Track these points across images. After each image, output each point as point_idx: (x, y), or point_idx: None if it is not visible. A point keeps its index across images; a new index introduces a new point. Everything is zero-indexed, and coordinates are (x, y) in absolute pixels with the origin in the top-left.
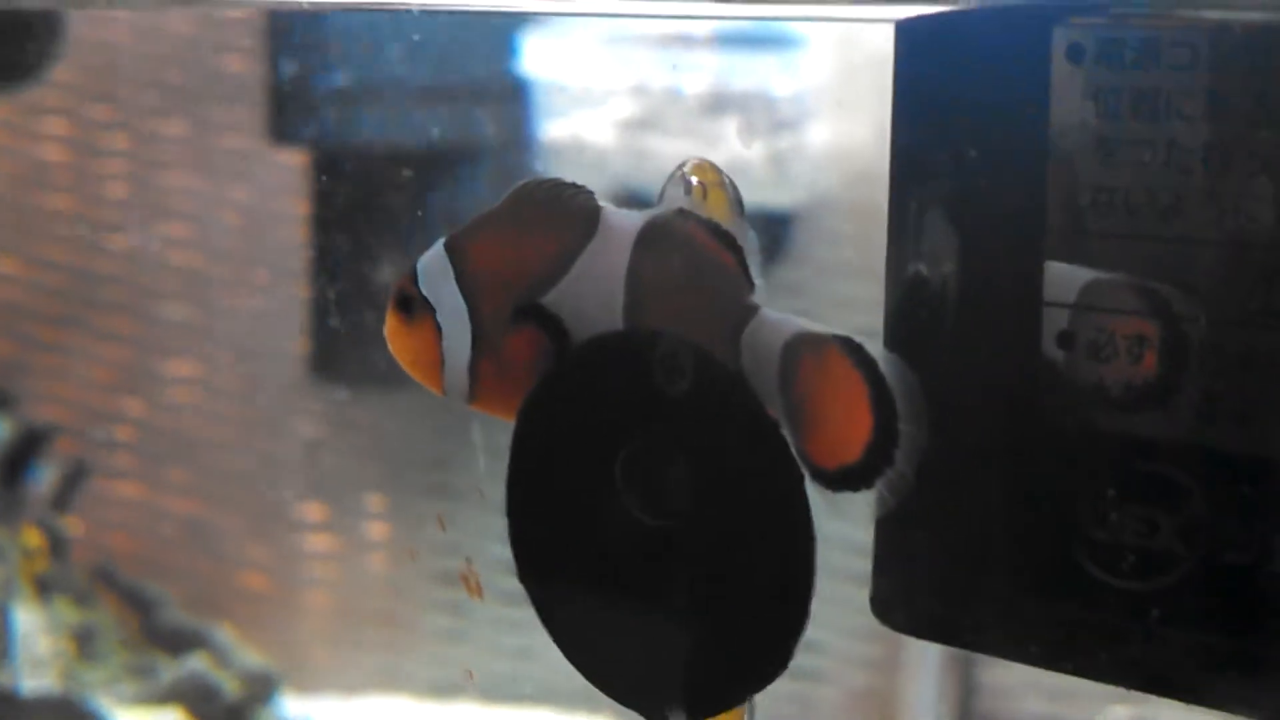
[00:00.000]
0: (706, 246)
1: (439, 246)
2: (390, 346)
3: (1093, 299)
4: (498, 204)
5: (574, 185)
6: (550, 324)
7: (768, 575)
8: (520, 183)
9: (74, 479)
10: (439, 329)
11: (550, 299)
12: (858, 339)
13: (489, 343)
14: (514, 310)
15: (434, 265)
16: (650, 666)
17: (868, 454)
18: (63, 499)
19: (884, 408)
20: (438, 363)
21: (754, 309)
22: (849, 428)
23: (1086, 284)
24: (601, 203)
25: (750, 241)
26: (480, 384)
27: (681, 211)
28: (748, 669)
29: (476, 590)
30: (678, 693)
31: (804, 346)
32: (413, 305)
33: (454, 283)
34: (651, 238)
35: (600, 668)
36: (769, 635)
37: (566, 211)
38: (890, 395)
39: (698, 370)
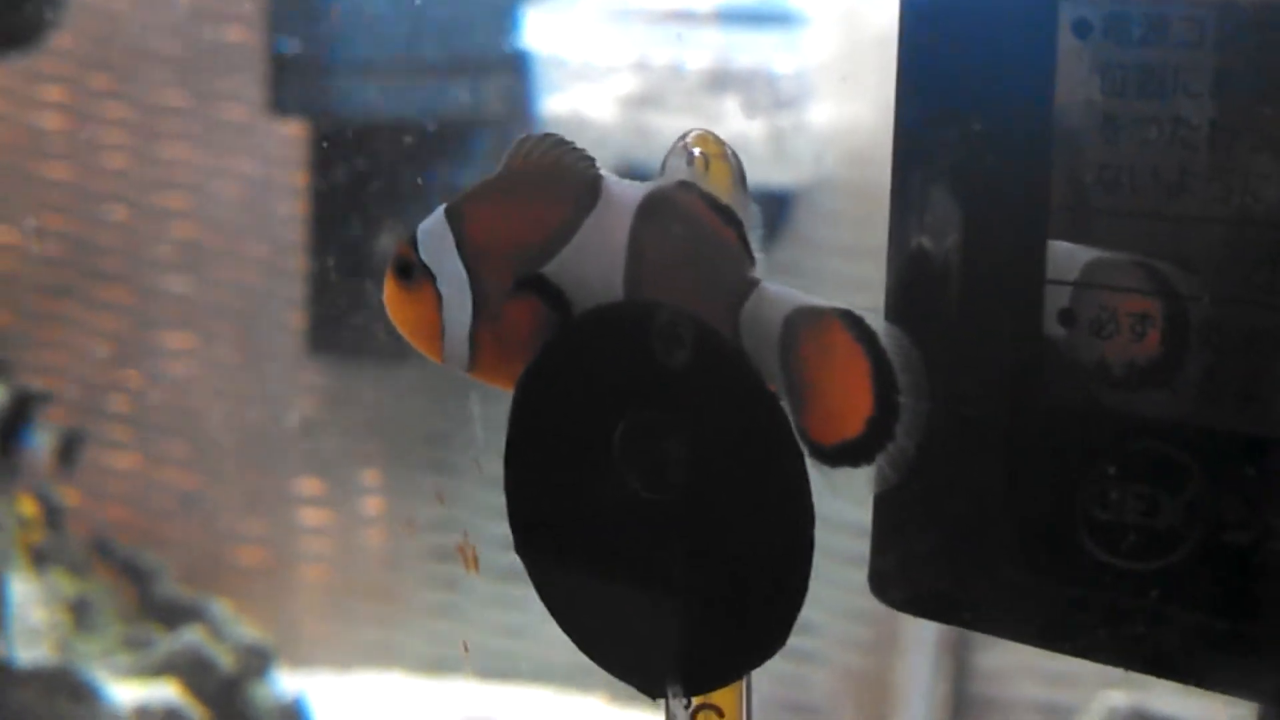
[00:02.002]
0: (708, 219)
1: (439, 213)
2: (389, 314)
3: (1095, 276)
4: (499, 170)
5: (574, 147)
6: (552, 294)
7: (766, 550)
8: (518, 140)
9: (73, 442)
10: (439, 296)
11: (551, 269)
12: (859, 313)
13: (489, 311)
14: (515, 280)
15: (434, 232)
16: (647, 641)
17: (868, 429)
18: (66, 460)
19: (885, 383)
20: (437, 330)
21: (754, 283)
22: (849, 402)
23: (1089, 262)
24: (603, 172)
25: (752, 215)
26: (480, 352)
27: (684, 184)
28: (745, 644)
29: (473, 563)
30: (675, 668)
31: (805, 321)
32: (412, 272)
33: (455, 250)
34: (653, 209)
35: (597, 642)
36: (767, 610)
37: (568, 181)
38: (892, 370)
39: (698, 343)
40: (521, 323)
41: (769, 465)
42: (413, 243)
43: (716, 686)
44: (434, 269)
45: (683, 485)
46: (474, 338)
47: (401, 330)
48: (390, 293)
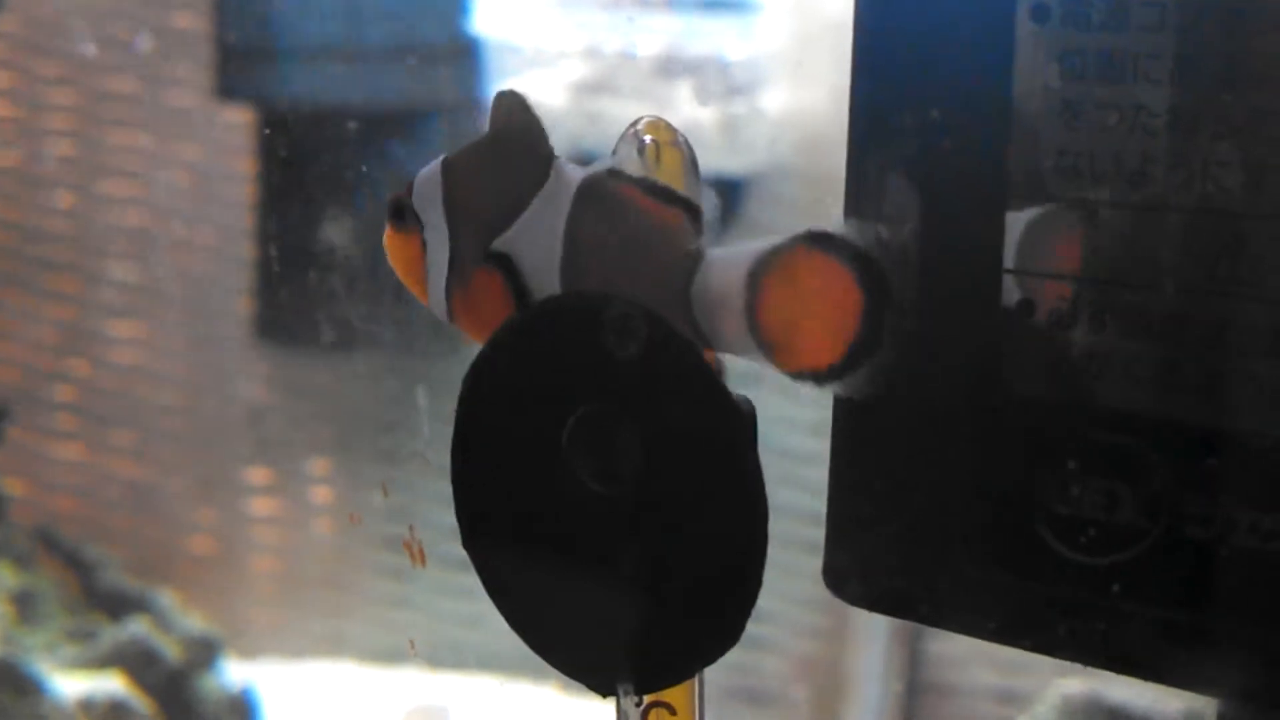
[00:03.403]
0: (642, 205)
1: (437, 164)
2: (386, 250)
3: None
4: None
5: (536, 121)
6: (512, 273)
7: (719, 545)
8: (495, 97)
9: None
10: (424, 245)
11: (502, 242)
12: (820, 229)
13: (462, 272)
14: (485, 249)
15: (429, 182)
16: (598, 638)
17: (863, 324)
18: None
19: (870, 280)
20: (423, 277)
21: (699, 255)
22: (839, 318)
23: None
24: (557, 153)
25: (707, 198)
26: (454, 308)
27: (612, 171)
28: (698, 642)
29: (419, 557)
30: (626, 665)
31: (768, 266)
32: (405, 216)
33: (441, 203)
34: (587, 196)
35: (547, 640)
36: (719, 607)
37: (525, 155)
38: (871, 263)
39: (650, 334)
40: (487, 293)
41: (721, 458)
42: (409, 188)
43: (668, 685)
44: (422, 218)
45: (635, 479)
46: (449, 292)
47: (394, 269)
48: (387, 232)
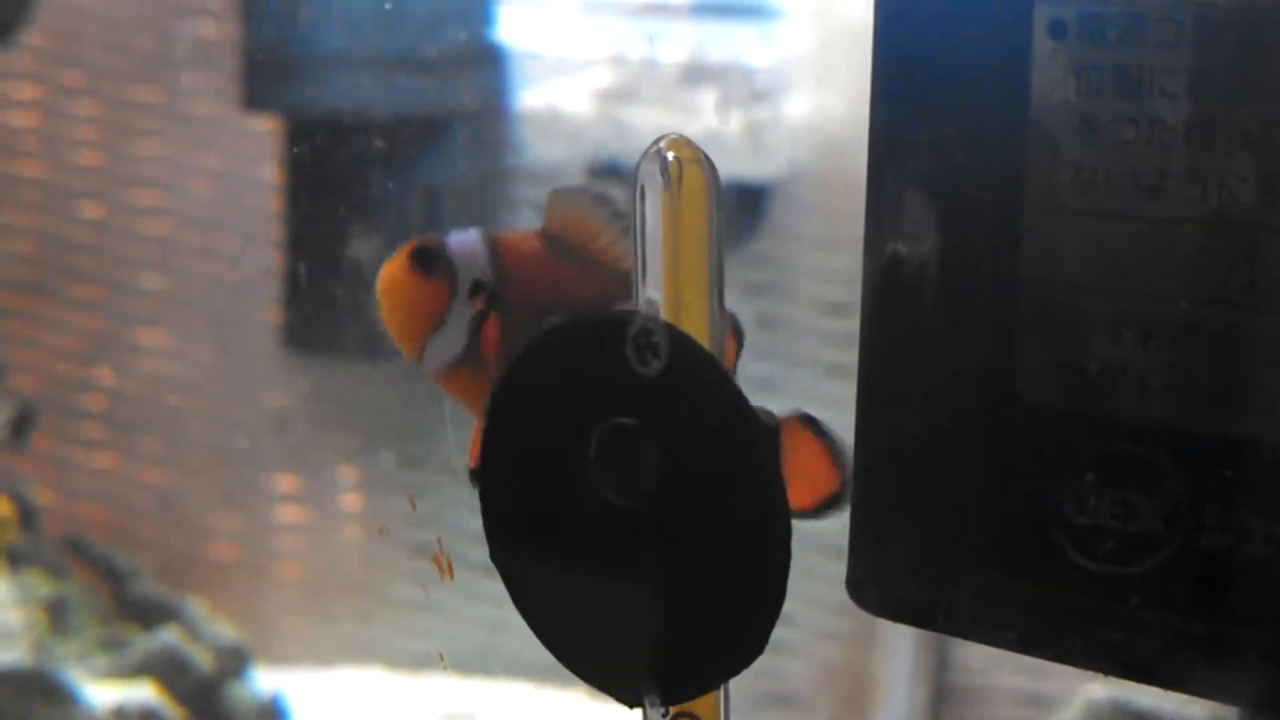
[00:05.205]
0: None
1: None
2: None
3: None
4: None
5: None
6: None
7: (742, 558)
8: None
9: (26, 418)
10: None
11: None
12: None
13: None
14: None
15: None
16: (624, 650)
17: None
18: (16, 436)
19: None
20: None
21: None
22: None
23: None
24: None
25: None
26: None
27: None
28: (723, 653)
29: (448, 571)
30: (652, 678)
31: None
32: None
33: None
34: None
35: (574, 652)
36: (744, 619)
37: None
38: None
39: (673, 350)
40: None
41: (744, 472)
42: None
43: (694, 696)
44: None
45: (658, 493)
46: None
47: None
48: None
